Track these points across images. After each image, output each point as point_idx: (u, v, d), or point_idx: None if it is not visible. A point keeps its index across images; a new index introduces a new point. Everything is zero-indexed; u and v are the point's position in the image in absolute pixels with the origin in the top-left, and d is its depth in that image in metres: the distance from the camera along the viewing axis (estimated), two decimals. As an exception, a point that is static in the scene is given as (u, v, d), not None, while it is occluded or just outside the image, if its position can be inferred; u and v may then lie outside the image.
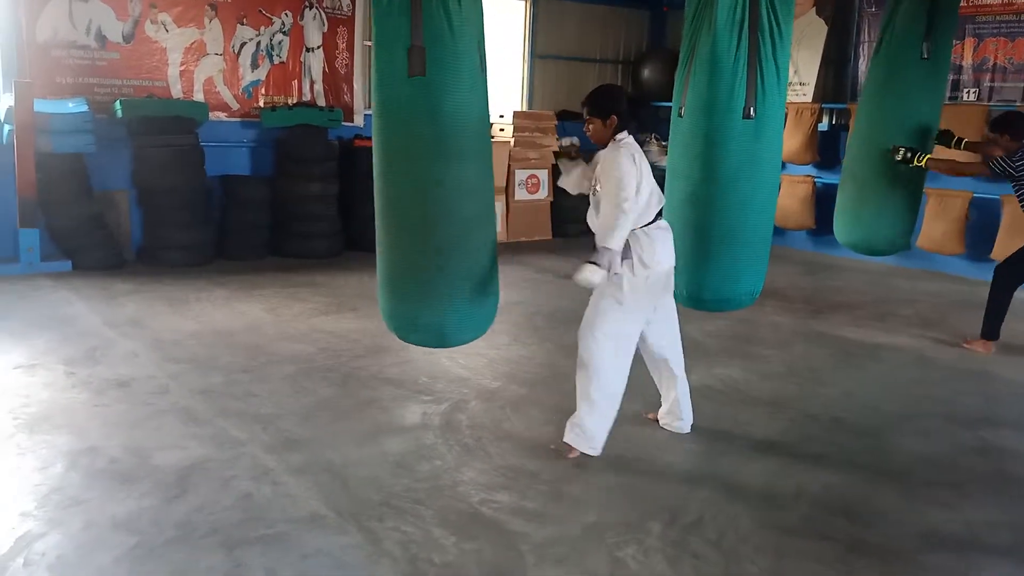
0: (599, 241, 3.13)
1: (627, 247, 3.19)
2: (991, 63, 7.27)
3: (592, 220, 3.32)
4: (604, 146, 3.28)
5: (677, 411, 3.65)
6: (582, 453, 3.33)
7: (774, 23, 3.30)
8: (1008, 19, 7.17)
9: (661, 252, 3.29)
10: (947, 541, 2.86)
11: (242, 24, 7.54)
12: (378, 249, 3.25)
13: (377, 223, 3.22)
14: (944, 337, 5.49)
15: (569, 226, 9.10)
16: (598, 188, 3.24)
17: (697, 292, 3.64)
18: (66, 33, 6.76)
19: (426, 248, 3.04)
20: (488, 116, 3.23)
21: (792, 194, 8.35)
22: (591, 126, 3.27)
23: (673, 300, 3.49)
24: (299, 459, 3.31)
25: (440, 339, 3.21)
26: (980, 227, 7.24)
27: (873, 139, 4.90)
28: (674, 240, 3.80)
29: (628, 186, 3.10)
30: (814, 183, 8.33)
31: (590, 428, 3.31)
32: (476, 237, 3.13)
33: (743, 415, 3.98)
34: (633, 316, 3.30)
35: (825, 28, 8.35)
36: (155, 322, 5.25)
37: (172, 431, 3.56)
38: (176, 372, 4.31)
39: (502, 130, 8.95)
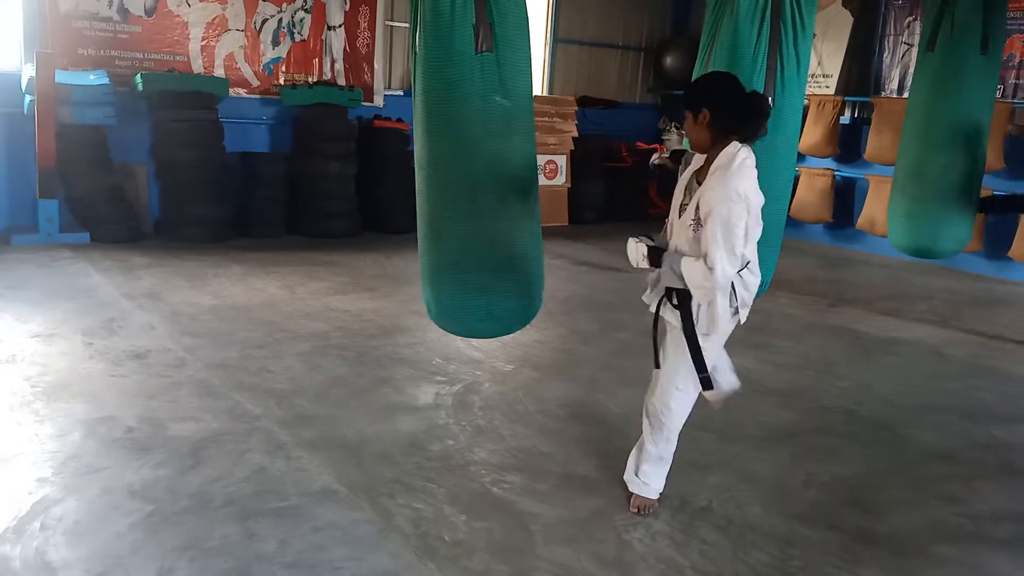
0: (690, 281, 2.58)
1: (732, 291, 2.65)
2: (1016, 60, 7.17)
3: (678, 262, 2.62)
4: (704, 151, 2.65)
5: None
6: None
7: (797, 14, 3.27)
8: (1037, 14, 7.06)
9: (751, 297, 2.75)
10: (954, 534, 2.86)
11: (264, 0, 7.53)
12: (434, 239, 2.92)
13: (431, 212, 2.90)
14: (959, 333, 5.45)
15: (586, 212, 9.09)
16: (697, 220, 2.57)
17: None
18: (88, 5, 6.79)
19: (509, 230, 2.85)
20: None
21: (811, 187, 8.29)
22: (685, 123, 2.69)
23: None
24: (312, 434, 3.34)
25: (508, 325, 3.00)
26: (998, 225, 7.17)
27: (932, 138, 4.75)
28: None
29: (738, 237, 2.50)
30: (833, 176, 8.27)
31: (656, 478, 2.91)
32: (538, 216, 3.01)
33: (756, 404, 3.98)
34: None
35: (851, 20, 8.25)
36: (172, 296, 5.29)
37: (188, 403, 3.60)
38: (192, 345, 4.36)
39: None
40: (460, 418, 3.59)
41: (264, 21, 7.59)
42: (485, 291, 2.88)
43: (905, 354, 5.02)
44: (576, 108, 8.99)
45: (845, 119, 8.34)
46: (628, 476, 2.93)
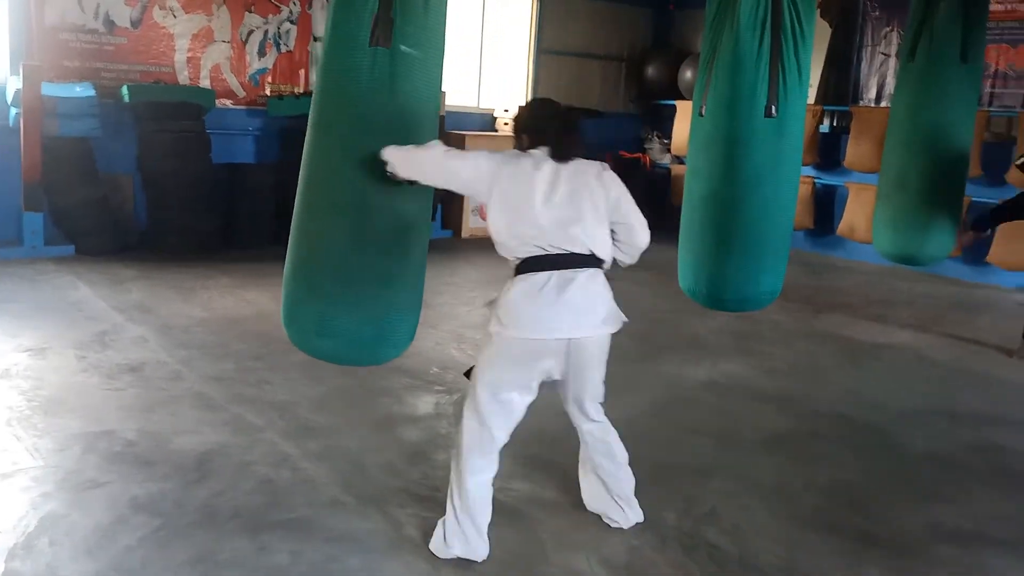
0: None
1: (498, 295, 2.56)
2: (993, 69, 7.36)
3: None
4: None
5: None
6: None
7: (796, 22, 3.34)
8: (1011, 25, 7.25)
9: (533, 315, 2.47)
10: (954, 534, 2.93)
11: (250, 12, 7.53)
12: (295, 233, 2.79)
13: (299, 202, 2.77)
14: (942, 337, 5.57)
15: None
16: None
17: (717, 292, 3.65)
18: (75, 17, 6.74)
19: (361, 239, 2.64)
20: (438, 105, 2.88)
21: (792, 194, 8.41)
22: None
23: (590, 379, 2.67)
24: (317, 446, 3.35)
25: (351, 351, 2.74)
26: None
27: (915, 147, 4.85)
28: (694, 240, 3.75)
29: (460, 156, 2.51)
30: (814, 184, 8.41)
31: (448, 533, 2.56)
32: (418, 238, 2.77)
33: (750, 410, 4.04)
34: (498, 386, 2.52)
35: (829, 30, 8.42)
36: (163, 308, 5.26)
37: (188, 416, 3.59)
38: (187, 358, 4.34)
39: (506, 124, 8.97)
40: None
41: (250, 32, 7.58)
42: (322, 299, 2.65)
43: (891, 359, 5.12)
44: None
45: (824, 128, 8.48)
46: None
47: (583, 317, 2.51)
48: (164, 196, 6.84)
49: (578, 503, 2.95)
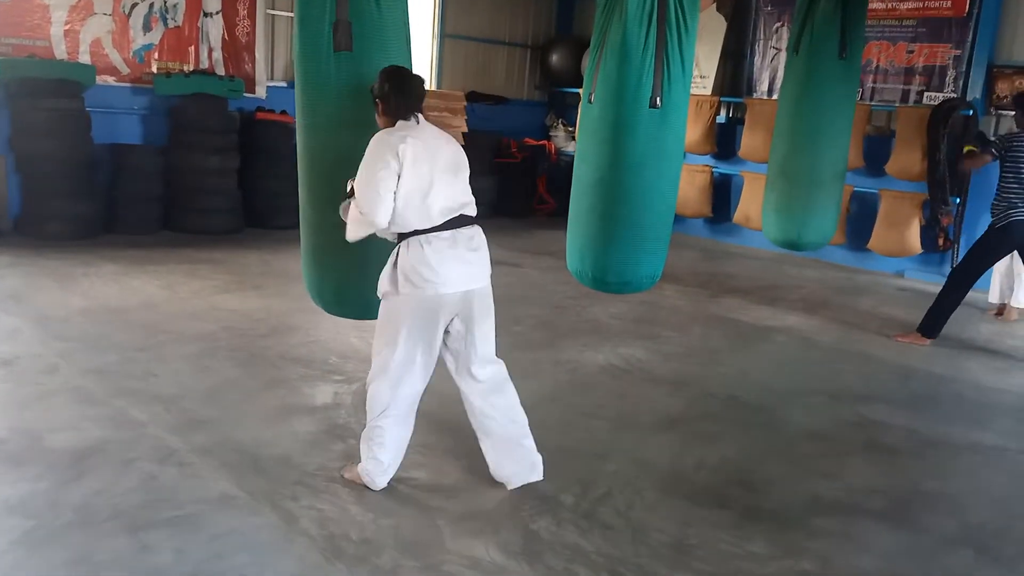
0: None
1: (397, 258, 2.73)
2: (874, 65, 7.76)
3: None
4: None
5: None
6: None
7: (681, 16, 3.44)
8: (891, 24, 7.65)
9: (445, 269, 2.71)
10: (831, 506, 3.09)
11: (134, -17, 7.12)
12: (302, 224, 3.24)
13: (301, 199, 3.20)
14: (827, 320, 5.86)
15: (476, 208, 9.11)
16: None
17: (601, 274, 3.78)
18: (-66, -18, 6.21)
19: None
20: None
21: (691, 183, 8.64)
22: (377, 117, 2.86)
23: (487, 326, 2.91)
24: (205, 439, 3.21)
25: (364, 312, 3.21)
26: (859, 219, 7.75)
27: (797, 138, 5.05)
28: (581, 224, 3.83)
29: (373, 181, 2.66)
30: (712, 173, 8.68)
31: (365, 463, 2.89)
32: None
33: (648, 393, 4.14)
34: (405, 344, 2.76)
35: (724, 24, 8.67)
36: (39, 297, 4.94)
37: (65, 411, 3.38)
38: (65, 350, 4.09)
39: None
40: (361, 417, 3.51)
41: (134, 5, 7.16)
42: (336, 277, 3.17)
43: (780, 341, 5.35)
44: (465, 103, 9.00)
45: (721, 118, 8.76)
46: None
47: (479, 268, 2.84)
48: (40, 178, 6.42)
49: (476, 490, 2.96)
